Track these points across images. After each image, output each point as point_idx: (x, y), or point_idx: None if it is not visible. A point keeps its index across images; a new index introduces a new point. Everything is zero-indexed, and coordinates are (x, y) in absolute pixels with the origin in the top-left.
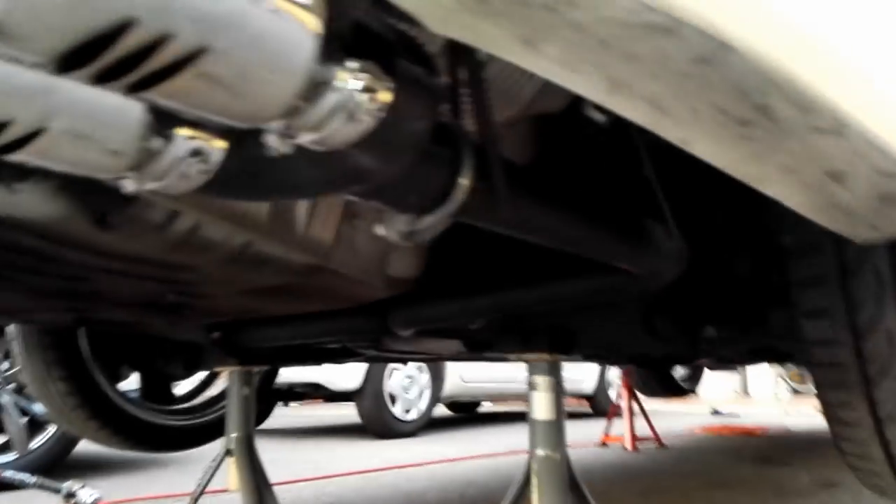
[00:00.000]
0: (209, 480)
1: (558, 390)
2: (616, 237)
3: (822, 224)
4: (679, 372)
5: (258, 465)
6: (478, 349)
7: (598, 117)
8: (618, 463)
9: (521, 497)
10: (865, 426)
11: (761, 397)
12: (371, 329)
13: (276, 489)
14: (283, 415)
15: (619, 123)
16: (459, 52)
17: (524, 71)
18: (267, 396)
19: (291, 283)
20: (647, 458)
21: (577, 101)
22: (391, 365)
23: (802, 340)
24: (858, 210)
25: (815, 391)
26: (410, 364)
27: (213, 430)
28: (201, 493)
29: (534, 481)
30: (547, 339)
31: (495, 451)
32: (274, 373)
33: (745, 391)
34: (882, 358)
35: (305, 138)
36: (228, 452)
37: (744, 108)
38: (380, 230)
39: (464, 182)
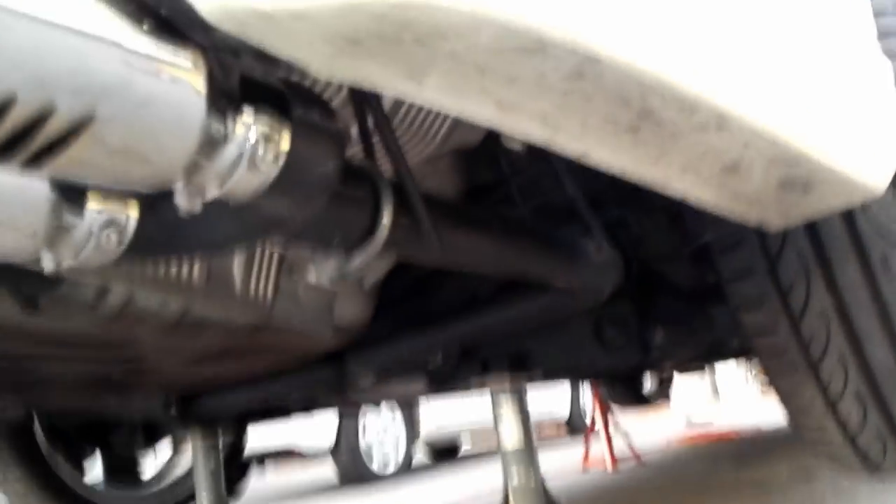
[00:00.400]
0: None
1: (525, 417)
2: (547, 257)
3: (733, 217)
4: (648, 381)
5: None
6: (440, 383)
7: (515, 146)
8: (600, 485)
9: None
10: (818, 408)
11: (732, 399)
12: (330, 380)
13: None
14: (260, 482)
15: (536, 150)
16: (361, 96)
17: (437, 111)
18: (239, 467)
19: (237, 344)
20: (628, 476)
21: (492, 134)
22: (364, 419)
23: (744, 333)
24: (763, 199)
25: (769, 383)
26: (384, 414)
27: None
28: None
29: None
30: (506, 362)
31: (478, 493)
32: (241, 441)
33: (716, 394)
34: (821, 337)
35: (212, 193)
36: None
37: (629, 115)
38: (311, 277)
39: (385, 219)
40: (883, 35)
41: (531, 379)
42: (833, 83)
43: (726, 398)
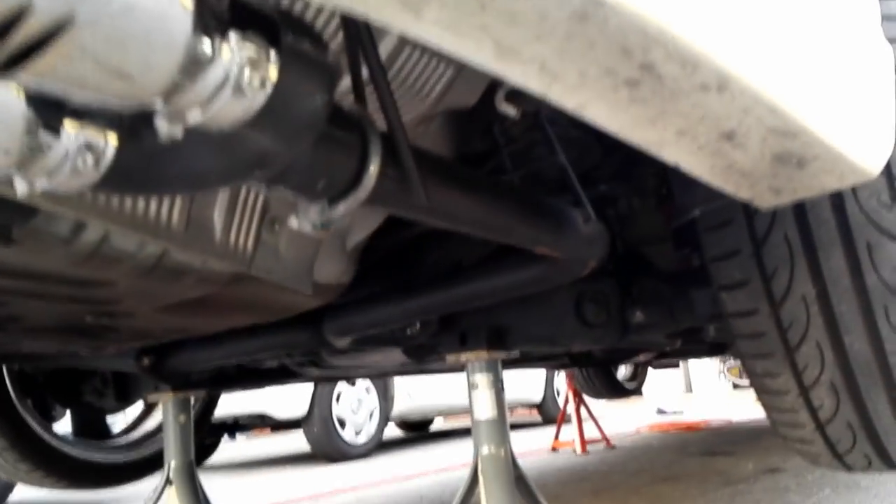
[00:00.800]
0: None
1: (499, 388)
2: (535, 223)
3: (724, 190)
4: (622, 372)
5: (201, 494)
6: (418, 355)
7: (510, 111)
8: (568, 466)
9: (470, 495)
10: (792, 393)
11: (704, 394)
12: (307, 341)
13: None
14: (231, 448)
15: (529, 117)
16: (356, 40)
17: (432, 67)
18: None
19: (214, 294)
20: (597, 459)
21: (488, 97)
22: (338, 388)
23: (724, 314)
24: (757, 172)
25: (742, 364)
26: (358, 386)
27: (153, 464)
28: None
29: (481, 479)
30: (484, 337)
31: (448, 465)
32: (213, 402)
33: (689, 389)
34: (800, 323)
35: (195, 118)
36: (168, 482)
37: (629, 67)
38: (293, 222)
39: (372, 168)
40: (885, 19)
41: (508, 353)
42: (835, 61)
43: (698, 391)
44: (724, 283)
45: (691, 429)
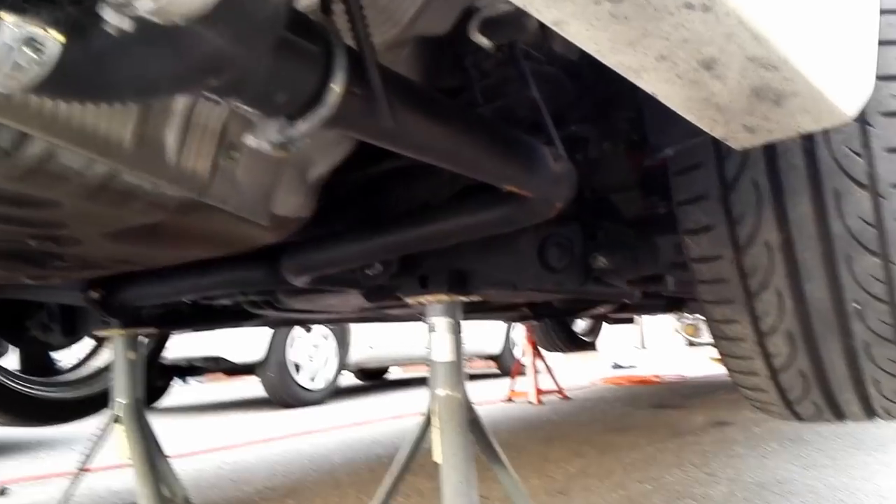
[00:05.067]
0: (94, 451)
1: (457, 332)
2: (506, 157)
3: (700, 125)
4: (580, 326)
5: (149, 433)
6: (377, 297)
7: (484, 41)
8: (523, 415)
9: (424, 436)
10: (749, 340)
11: (658, 350)
12: (263, 279)
13: (173, 462)
14: (183, 392)
15: (504, 48)
16: None
17: None
18: (161, 371)
19: (166, 222)
20: (551, 409)
21: (461, 26)
22: (295, 334)
23: (686, 261)
24: (733, 107)
25: (702, 310)
26: (315, 332)
27: (102, 402)
28: (85, 464)
29: (435, 421)
30: (445, 280)
31: (404, 412)
32: (164, 341)
33: (644, 345)
34: (762, 270)
35: (145, 5)
36: (116, 420)
37: None
38: (250, 140)
39: (337, 84)
40: None
41: (469, 297)
42: None
43: (652, 347)
44: (689, 227)
45: (644, 383)
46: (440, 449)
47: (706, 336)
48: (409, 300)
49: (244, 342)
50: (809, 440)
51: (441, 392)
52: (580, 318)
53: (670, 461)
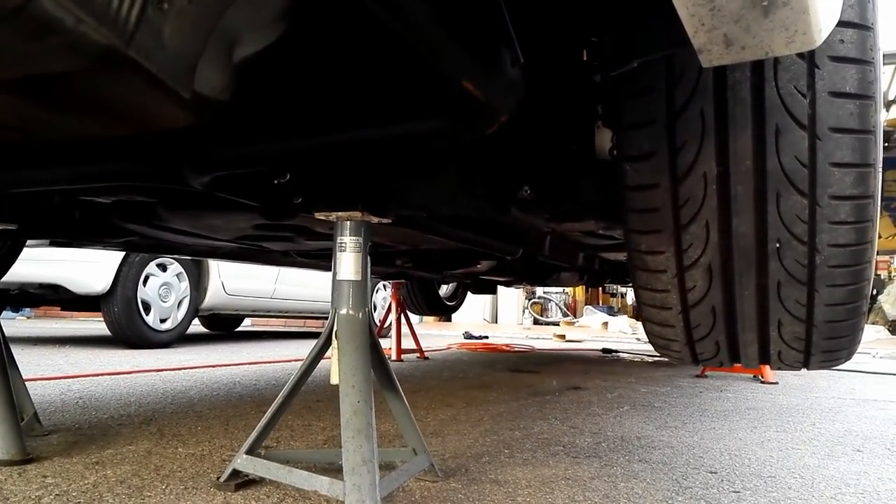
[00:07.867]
0: None
1: (365, 252)
2: (466, 42)
3: (687, 24)
4: (443, 291)
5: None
6: (280, 213)
7: None
8: None
9: (321, 354)
10: (668, 272)
11: (508, 325)
12: (159, 173)
13: None
14: (12, 325)
15: None
16: None
17: None
18: None
19: (78, 77)
20: (411, 366)
21: None
22: (147, 271)
23: (621, 188)
24: (728, 7)
25: (625, 240)
26: (169, 271)
27: None
28: None
29: (335, 341)
30: (360, 197)
31: (259, 359)
32: (15, 250)
33: (495, 320)
34: (695, 202)
35: None
36: None
37: None
38: None
39: None
40: None
41: (382, 219)
42: None
43: (503, 322)
44: (631, 153)
45: (497, 350)
46: (338, 368)
47: (552, 315)
48: (320, 215)
49: (88, 270)
50: (659, 407)
51: (344, 311)
52: (456, 277)
53: (535, 415)
